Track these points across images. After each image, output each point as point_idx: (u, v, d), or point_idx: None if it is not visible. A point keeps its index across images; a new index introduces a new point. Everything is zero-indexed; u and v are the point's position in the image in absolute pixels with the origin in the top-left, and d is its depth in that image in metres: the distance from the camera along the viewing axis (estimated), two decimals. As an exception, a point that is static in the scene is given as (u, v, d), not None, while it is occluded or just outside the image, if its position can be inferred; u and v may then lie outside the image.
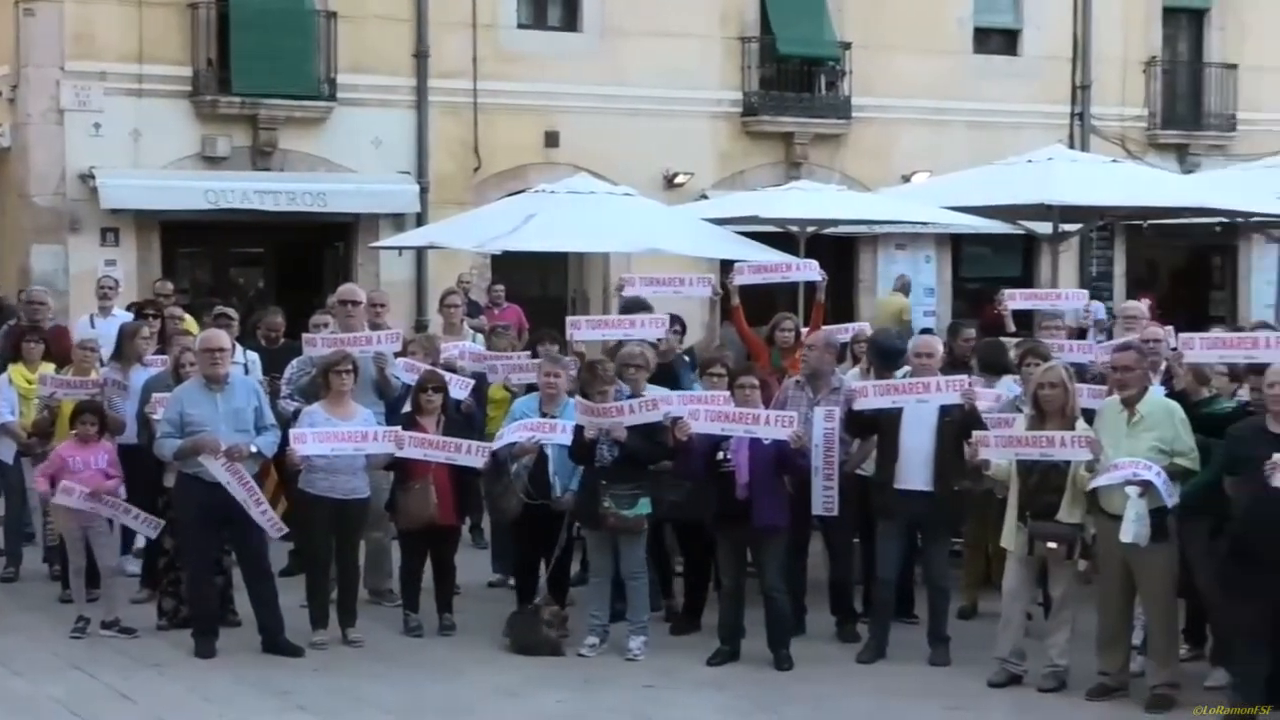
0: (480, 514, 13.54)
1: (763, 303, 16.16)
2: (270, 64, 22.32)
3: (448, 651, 11.06)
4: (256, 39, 22.27)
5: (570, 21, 25.09)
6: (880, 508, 10.92)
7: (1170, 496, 9.55)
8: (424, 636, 11.36)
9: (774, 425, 10.51)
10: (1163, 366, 11.00)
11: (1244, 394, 10.29)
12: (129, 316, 14.51)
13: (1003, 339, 13.04)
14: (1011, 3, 28.04)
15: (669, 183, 24.66)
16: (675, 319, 13.14)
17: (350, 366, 11.19)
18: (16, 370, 12.96)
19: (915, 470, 10.66)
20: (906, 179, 24.63)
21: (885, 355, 11.60)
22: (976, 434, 10.29)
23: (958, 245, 27.31)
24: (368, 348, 11.82)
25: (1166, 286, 29.21)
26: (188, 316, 14.71)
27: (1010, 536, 10.23)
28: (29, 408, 12.68)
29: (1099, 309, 18.39)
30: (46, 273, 21.48)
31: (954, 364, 12.04)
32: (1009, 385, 11.88)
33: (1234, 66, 29.26)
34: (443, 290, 15.93)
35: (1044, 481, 10.00)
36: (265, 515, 10.74)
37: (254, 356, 13.34)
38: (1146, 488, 9.49)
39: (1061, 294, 16.14)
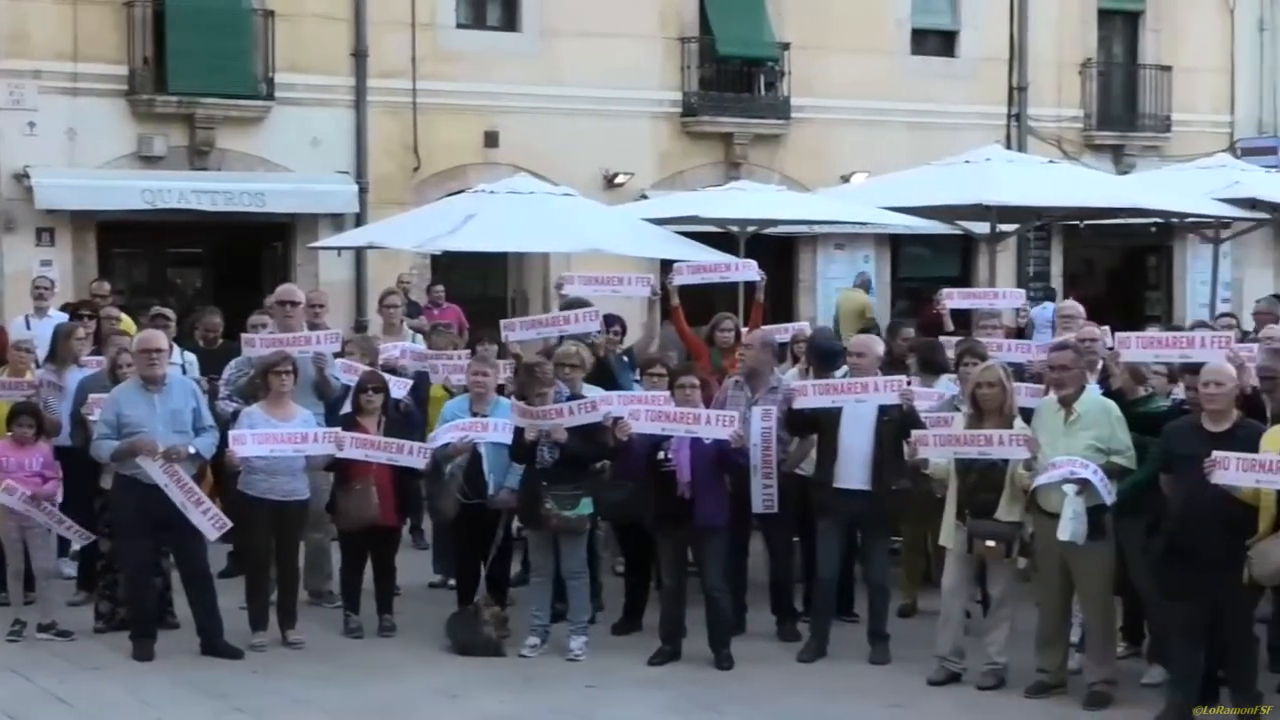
0: (421, 515, 13.51)
1: (703, 303, 16.20)
2: (207, 63, 22.15)
3: (388, 652, 11.02)
4: (193, 37, 22.09)
5: (510, 21, 25.04)
6: (820, 506, 10.96)
7: (1107, 495, 9.62)
8: (364, 638, 11.32)
9: (715, 425, 10.54)
10: (1099, 366, 11.08)
11: (1179, 393, 10.38)
12: (65, 317, 14.39)
13: (941, 338, 13.12)
14: (949, 4, 28.17)
15: (609, 183, 24.65)
16: (614, 319, 13.17)
17: (289, 367, 11.15)
18: (-49, 372, 12.82)
19: (854, 469, 10.70)
20: (845, 179, 24.73)
21: (824, 355, 11.67)
22: (915, 433, 10.36)
23: (896, 245, 27.43)
24: (307, 348, 11.77)
25: (1103, 286, 29.43)
26: (124, 317, 14.60)
27: (949, 535, 10.29)
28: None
29: (1049, 309, 18.56)
30: (-19, 274, 21.29)
31: (892, 363, 12.09)
32: (946, 384, 11.95)
33: (1168, 68, 29.52)
34: (382, 291, 15.89)
35: (982, 480, 10.06)
36: (207, 515, 10.66)
37: (191, 357, 13.25)
38: (1084, 486, 9.57)
39: (999, 293, 16.24)
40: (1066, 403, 9.92)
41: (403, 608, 11.72)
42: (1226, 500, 8.93)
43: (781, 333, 13.64)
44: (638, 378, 12.28)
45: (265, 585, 11.15)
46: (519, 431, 10.81)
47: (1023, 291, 16.38)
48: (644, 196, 23.29)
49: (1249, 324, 15.98)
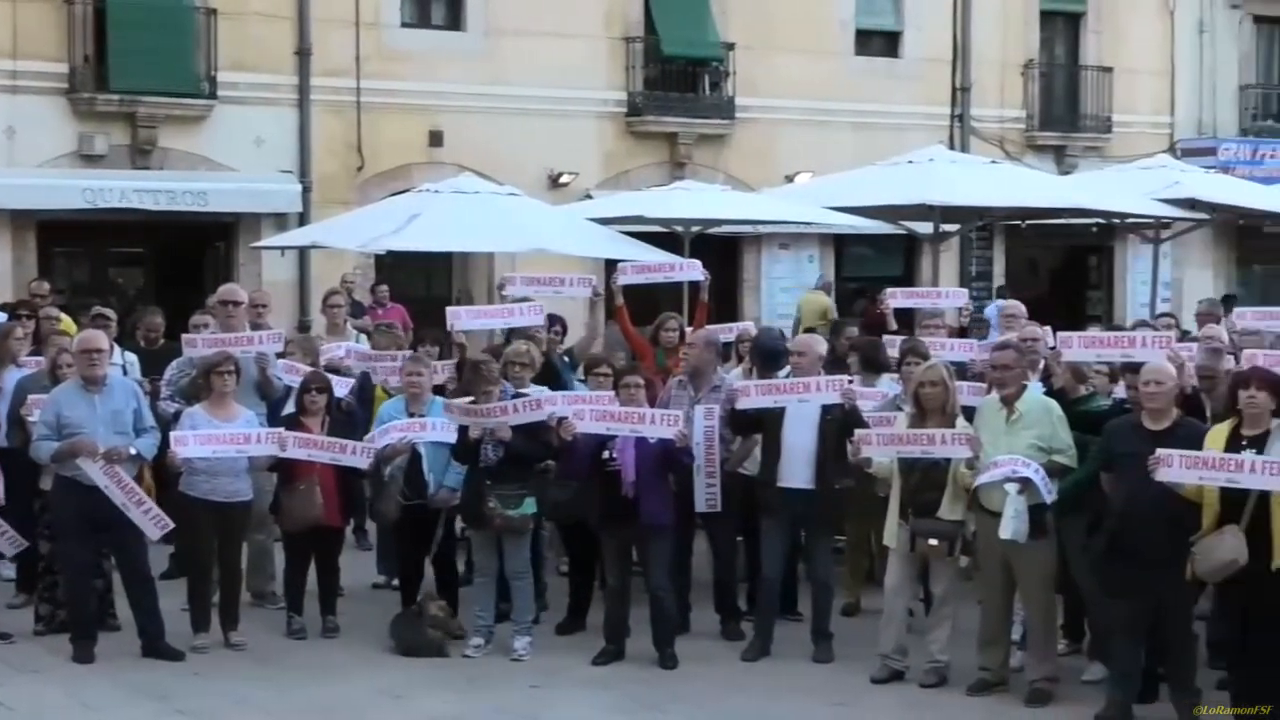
0: (364, 515, 13.44)
1: (647, 303, 16.22)
2: (149, 61, 21.97)
3: (332, 654, 10.99)
4: (135, 35, 21.91)
5: (454, 20, 24.97)
6: (764, 506, 10.98)
7: (1049, 493, 9.69)
8: (307, 639, 11.28)
9: (659, 424, 10.55)
10: (1041, 365, 11.15)
11: (1120, 392, 10.45)
12: (3, 317, 14.24)
13: (885, 337, 13.17)
14: (892, 5, 28.28)
15: (554, 182, 24.63)
16: (555, 319, 13.17)
17: (232, 367, 11.10)
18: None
19: (798, 468, 10.73)
20: (790, 179, 24.81)
21: (767, 356, 11.69)
22: (859, 432, 10.39)
23: (840, 245, 27.52)
24: (249, 348, 11.73)
25: (1045, 286, 29.62)
26: (64, 317, 14.46)
27: (892, 534, 10.33)
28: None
29: (998, 306, 18.66)
30: (-81, 273, 21.08)
31: (835, 362, 12.14)
32: (888, 384, 12.01)
33: (1109, 70, 29.73)
34: (326, 290, 15.85)
35: (925, 479, 10.11)
36: (149, 515, 10.58)
37: (133, 358, 13.18)
38: (1025, 485, 9.63)
39: (941, 292, 16.33)
40: (1008, 402, 9.98)
41: (346, 608, 11.68)
42: (1167, 498, 9.00)
43: (726, 332, 13.68)
44: (582, 378, 12.28)
45: (207, 587, 11.09)
46: (463, 430, 10.79)
47: (965, 291, 16.47)
48: (589, 196, 23.29)
49: (1188, 324, 16.13)
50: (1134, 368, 9.95)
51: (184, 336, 12.32)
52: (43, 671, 10.45)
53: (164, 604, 10.91)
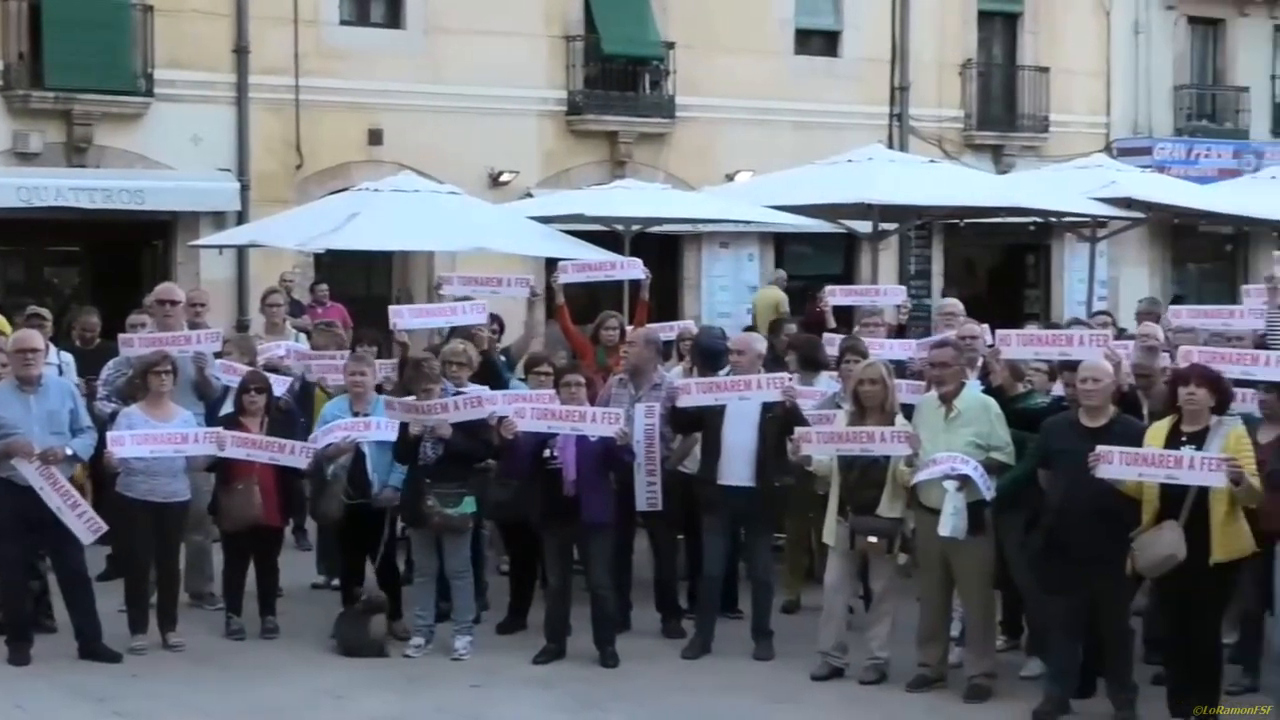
0: (303, 515, 13.41)
1: (588, 301, 16.21)
2: (85, 58, 21.77)
3: (271, 654, 10.94)
4: (70, 32, 21.70)
5: (393, 18, 24.88)
6: (704, 503, 11.00)
7: (987, 490, 9.75)
8: (246, 639, 11.22)
9: (600, 422, 10.55)
10: (979, 363, 11.21)
11: (1059, 390, 10.52)
12: (-62, 317, 14.12)
13: (825, 335, 13.21)
14: (832, 5, 28.36)
15: (494, 181, 24.57)
16: (494, 317, 13.15)
17: (169, 367, 11.03)
18: None
19: (738, 466, 10.76)
20: (730, 178, 24.82)
21: (708, 355, 11.71)
22: (798, 430, 10.42)
23: (780, 244, 27.57)
24: (187, 348, 11.66)
25: (984, 284, 29.79)
26: (-1, 317, 14.35)
27: (832, 531, 10.37)
28: None
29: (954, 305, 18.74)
30: None
31: (774, 361, 12.17)
32: (827, 382, 12.05)
33: (1046, 70, 29.91)
34: (265, 289, 15.76)
35: (864, 477, 10.15)
36: (82, 518, 10.50)
37: (68, 357, 13.06)
38: (964, 482, 9.69)
39: (879, 290, 16.40)
40: (947, 399, 10.04)
41: (286, 609, 11.63)
42: (1105, 494, 9.08)
43: (666, 331, 13.71)
44: (522, 377, 12.27)
45: (145, 588, 11.01)
46: (403, 427, 10.76)
47: (903, 288, 16.55)
48: (529, 195, 23.25)
49: (1125, 322, 16.26)
50: (1071, 365, 10.02)
51: (120, 336, 12.23)
52: (-22, 674, 10.36)
53: (101, 605, 10.83)
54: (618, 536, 11.07)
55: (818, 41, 28.41)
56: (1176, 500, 8.93)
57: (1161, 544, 8.93)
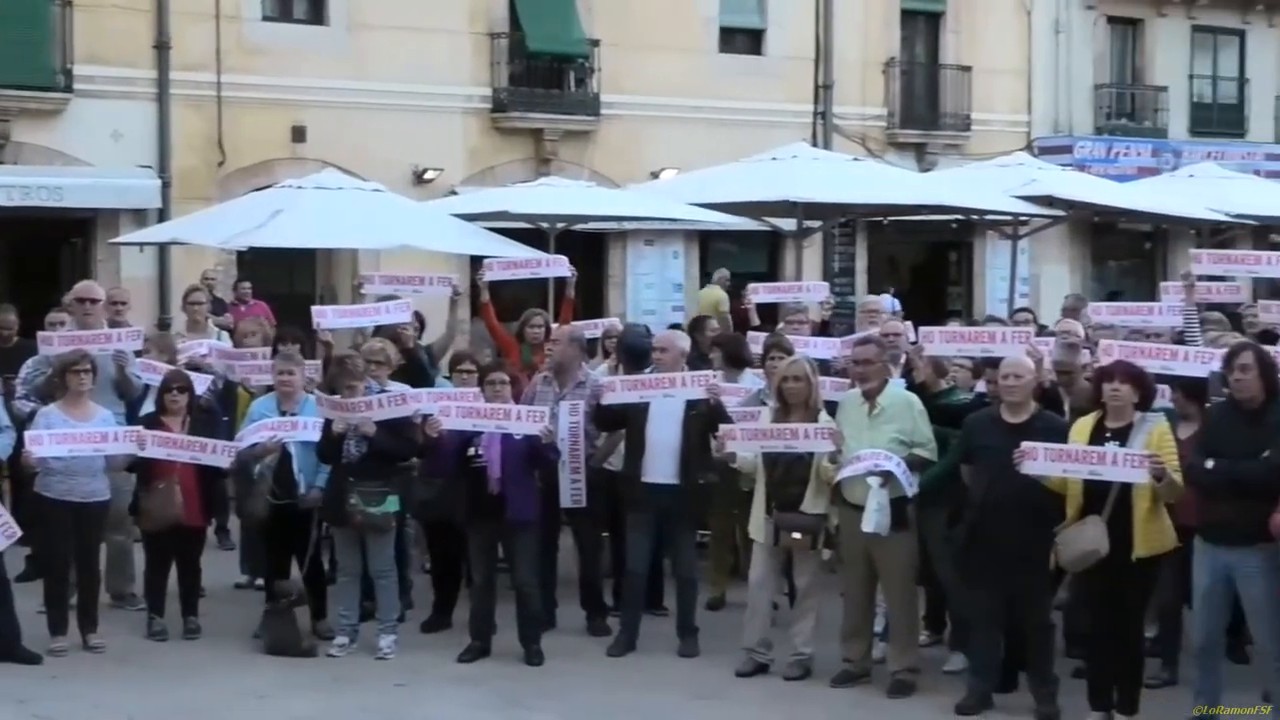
0: (226, 514, 13.32)
1: (513, 299, 16.18)
2: (2, 53, 21.50)
3: (194, 655, 10.86)
4: (-13, 27, 21.50)
5: (316, 15, 24.72)
6: (629, 501, 11.02)
7: (910, 486, 9.81)
8: (169, 640, 11.14)
9: (525, 420, 10.54)
10: (903, 360, 11.28)
11: (982, 387, 10.60)
12: None
13: (749, 333, 13.25)
14: (756, 3, 28.44)
15: (418, 179, 24.48)
16: (415, 315, 13.10)
17: (88, 366, 10.93)
18: None
19: (662, 464, 10.79)
20: (655, 176, 24.87)
21: (632, 352, 11.74)
22: (723, 427, 10.46)
23: (705, 241, 27.62)
24: (107, 346, 11.56)
25: (907, 282, 29.96)
26: (-84, 316, 14.15)
27: (757, 527, 10.40)
28: None
29: (891, 302, 18.85)
30: None
31: (698, 358, 12.20)
32: (751, 379, 12.09)
33: (968, 69, 30.12)
34: (186, 287, 15.62)
35: (789, 473, 10.19)
36: (-2, 521, 10.40)
37: (-14, 356, 12.91)
38: (887, 478, 9.75)
39: (803, 286, 16.46)
40: (870, 396, 10.10)
41: (208, 609, 11.55)
42: (1028, 490, 9.16)
43: (591, 328, 13.70)
44: (447, 375, 12.23)
45: (65, 588, 10.91)
46: (327, 425, 10.71)
47: (826, 284, 16.61)
48: (454, 192, 23.19)
49: (1046, 319, 16.39)
50: (994, 362, 10.10)
51: (39, 334, 12.11)
52: (-106, 677, 10.23)
53: (20, 606, 10.71)
54: (542, 534, 11.07)
55: (742, 40, 28.48)
56: (1100, 496, 9.01)
57: (1085, 539, 9.02)
